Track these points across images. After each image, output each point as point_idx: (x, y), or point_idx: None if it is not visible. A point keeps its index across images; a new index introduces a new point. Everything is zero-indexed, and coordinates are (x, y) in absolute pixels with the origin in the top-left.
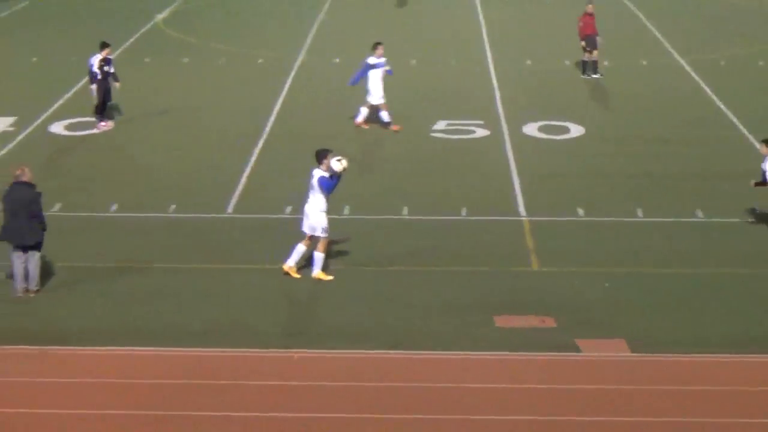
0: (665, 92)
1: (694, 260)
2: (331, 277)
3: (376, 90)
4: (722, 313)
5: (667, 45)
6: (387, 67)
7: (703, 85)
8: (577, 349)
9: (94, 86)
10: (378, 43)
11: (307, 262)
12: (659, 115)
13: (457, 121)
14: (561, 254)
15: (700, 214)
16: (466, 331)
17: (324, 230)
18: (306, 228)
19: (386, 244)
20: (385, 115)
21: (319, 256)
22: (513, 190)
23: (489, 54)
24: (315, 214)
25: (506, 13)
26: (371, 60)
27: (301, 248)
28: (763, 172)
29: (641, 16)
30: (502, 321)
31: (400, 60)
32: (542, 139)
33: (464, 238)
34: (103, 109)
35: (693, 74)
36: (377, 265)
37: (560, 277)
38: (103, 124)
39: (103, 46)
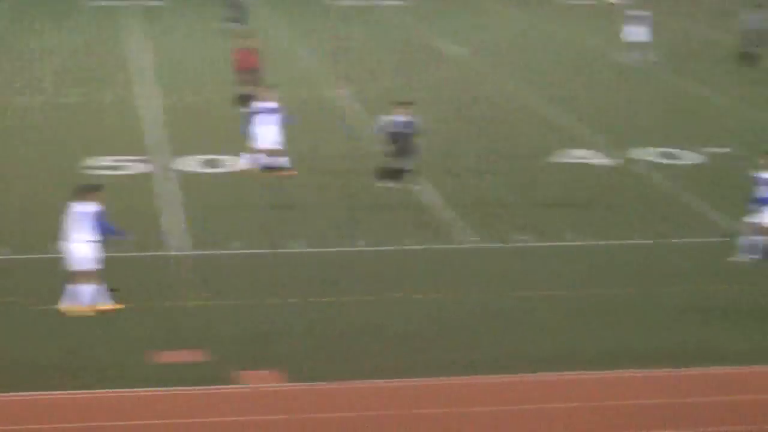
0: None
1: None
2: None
3: None
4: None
5: None
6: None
7: None
8: (234, 382)
9: None
10: None
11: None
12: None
13: (109, 158)
14: (222, 287)
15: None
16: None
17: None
18: None
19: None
20: None
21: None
22: (180, 225)
23: (138, 88)
24: None
25: (157, 48)
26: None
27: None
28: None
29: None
30: (157, 356)
31: (56, 96)
32: (203, 173)
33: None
34: None
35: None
36: None
37: (217, 310)
38: None
39: None
